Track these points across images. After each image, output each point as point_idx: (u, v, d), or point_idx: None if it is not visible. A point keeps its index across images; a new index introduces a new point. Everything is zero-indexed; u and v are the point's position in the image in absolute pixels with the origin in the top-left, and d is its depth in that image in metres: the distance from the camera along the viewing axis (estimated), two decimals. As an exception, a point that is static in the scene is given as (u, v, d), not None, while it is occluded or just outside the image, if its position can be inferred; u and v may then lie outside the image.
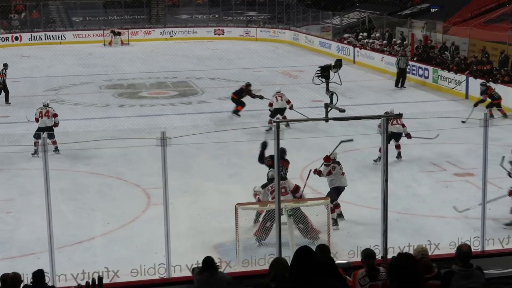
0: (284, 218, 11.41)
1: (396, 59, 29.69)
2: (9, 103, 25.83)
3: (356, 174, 16.83)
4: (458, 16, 37.31)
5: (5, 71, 26.26)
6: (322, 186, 14.27)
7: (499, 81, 24.72)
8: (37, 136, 18.66)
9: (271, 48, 43.85)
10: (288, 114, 21.27)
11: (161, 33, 48.78)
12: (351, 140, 13.70)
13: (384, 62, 33.37)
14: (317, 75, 9.74)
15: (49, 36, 46.90)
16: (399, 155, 17.84)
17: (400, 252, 9.45)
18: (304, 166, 16.26)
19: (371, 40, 37.07)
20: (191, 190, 15.69)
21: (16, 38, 45.91)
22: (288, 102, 21.69)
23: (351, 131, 19.15)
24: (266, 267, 6.82)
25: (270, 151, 13.61)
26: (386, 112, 18.06)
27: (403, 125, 17.74)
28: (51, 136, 18.49)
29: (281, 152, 13.54)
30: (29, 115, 20.19)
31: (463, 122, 19.79)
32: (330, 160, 13.74)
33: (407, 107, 22.92)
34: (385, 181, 9.15)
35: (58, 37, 46.96)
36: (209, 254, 9.68)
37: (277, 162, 9.07)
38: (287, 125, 20.80)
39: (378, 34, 38.00)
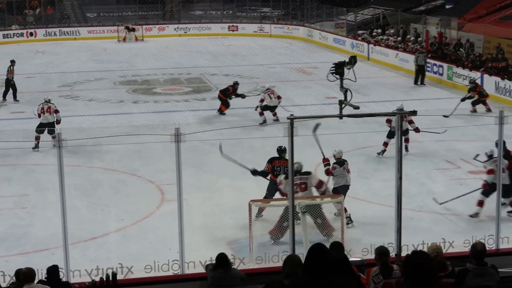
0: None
1: (415, 56, 29.59)
2: (18, 101, 25.58)
3: (370, 171, 16.82)
4: (473, 13, 37.11)
5: (13, 68, 25.97)
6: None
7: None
8: (39, 131, 18.83)
9: (285, 44, 43.80)
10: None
11: (175, 29, 48.80)
12: (319, 124, 13.39)
13: (399, 59, 33.25)
14: (331, 71, 9.70)
15: (64, 32, 47.03)
16: (406, 148, 17.79)
17: (414, 250, 9.44)
18: (318, 163, 16.21)
19: (385, 37, 36.94)
20: (205, 187, 15.72)
21: (31, 34, 46.04)
22: (279, 97, 21.97)
23: (365, 128, 19.16)
24: (280, 264, 6.83)
25: (273, 153, 13.69)
26: (398, 109, 18.14)
27: (410, 122, 17.68)
28: (52, 131, 18.65)
29: (281, 151, 13.56)
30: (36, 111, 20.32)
31: (445, 116, 19.97)
32: (328, 161, 13.69)
33: (421, 104, 22.84)
34: (399, 178, 9.13)
35: (73, 33, 47.08)
36: (222, 250, 9.70)
37: (290, 160, 9.05)
38: (277, 120, 21.38)
39: (392, 31, 37.88)
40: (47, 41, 44.73)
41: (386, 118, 17.96)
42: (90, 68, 33.90)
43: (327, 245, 7.74)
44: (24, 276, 7.91)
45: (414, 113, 9.78)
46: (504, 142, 14.04)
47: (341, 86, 9.51)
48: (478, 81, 26.28)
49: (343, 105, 9.41)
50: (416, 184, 15.58)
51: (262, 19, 50.73)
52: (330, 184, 13.47)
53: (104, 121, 21.94)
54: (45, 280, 8.72)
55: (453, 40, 32.43)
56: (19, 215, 14.26)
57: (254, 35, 48.07)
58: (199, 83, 30.12)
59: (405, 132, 17.63)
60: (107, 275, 9.24)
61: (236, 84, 23.35)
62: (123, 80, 31.04)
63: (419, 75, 29.01)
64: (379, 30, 38.83)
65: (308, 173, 12.94)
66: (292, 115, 8.87)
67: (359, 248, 11.42)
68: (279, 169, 13.47)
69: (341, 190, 13.34)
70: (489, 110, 22.73)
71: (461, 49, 30.38)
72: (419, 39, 33.94)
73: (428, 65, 29.83)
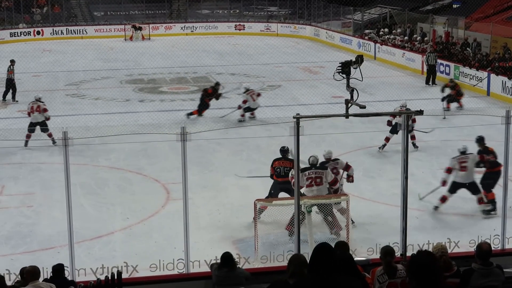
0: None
1: (425, 56, 29.51)
2: (17, 101, 25.21)
3: (375, 171, 16.80)
4: (481, 12, 37.02)
5: (13, 67, 25.64)
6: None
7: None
8: (30, 130, 18.85)
9: (292, 43, 43.78)
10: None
11: (182, 28, 48.85)
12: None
13: (405, 58, 33.20)
14: (338, 71, 9.68)
15: (71, 30, 47.13)
16: (414, 145, 17.96)
17: (420, 249, 9.42)
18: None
19: (392, 36, 36.88)
20: (210, 186, 15.71)
21: (38, 33, 46.15)
22: (259, 95, 22.31)
23: (371, 127, 19.13)
24: (285, 263, 6.81)
25: (279, 153, 13.68)
26: (402, 106, 18.23)
27: (413, 121, 17.71)
28: (45, 130, 18.74)
29: (284, 151, 13.54)
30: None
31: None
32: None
33: (428, 103, 22.77)
34: (405, 178, 9.12)
35: (80, 32, 47.18)
36: (227, 249, 9.71)
37: (296, 159, 9.05)
38: (253, 118, 21.85)
39: (399, 30, 37.81)
40: (54, 39, 44.77)
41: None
42: (96, 67, 33.97)
43: (332, 245, 7.76)
44: (28, 274, 7.92)
45: (420, 112, 9.76)
46: (483, 138, 14.33)
47: (348, 86, 9.48)
48: (485, 81, 26.28)
49: (350, 105, 9.39)
50: (422, 183, 15.53)
51: (269, 18, 50.75)
52: (343, 181, 13.51)
53: (110, 120, 21.96)
54: (50, 278, 8.72)
55: (460, 39, 32.35)
56: (25, 213, 14.28)
57: (261, 34, 48.08)
58: (205, 82, 30.06)
59: (410, 130, 17.67)
60: (112, 274, 9.24)
61: (217, 84, 23.22)
62: (130, 79, 31.07)
63: (431, 75, 28.91)
64: (386, 30, 38.77)
65: (325, 167, 12.89)
66: (298, 114, 8.86)
67: (364, 247, 11.41)
68: (279, 170, 13.44)
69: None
70: (461, 107, 23.14)
71: (468, 48, 30.30)
72: (426, 38, 33.86)
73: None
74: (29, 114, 19.32)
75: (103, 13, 51.10)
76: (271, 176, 13.61)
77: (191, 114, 22.38)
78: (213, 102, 22.67)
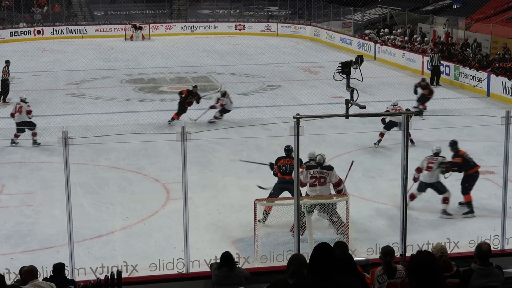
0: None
1: (429, 56, 29.49)
2: (7, 103, 24.60)
3: (375, 171, 16.80)
4: (481, 13, 37.03)
5: (8, 68, 25.40)
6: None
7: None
8: (19, 130, 18.82)
9: (292, 43, 43.78)
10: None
11: (182, 28, 48.86)
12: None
13: (405, 59, 33.21)
14: (338, 71, 9.69)
15: (71, 30, 47.14)
16: (411, 142, 17.88)
17: (419, 250, 9.42)
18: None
19: (392, 37, 36.89)
20: (210, 185, 15.71)
21: (38, 32, 46.16)
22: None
23: (371, 127, 19.14)
24: (285, 263, 6.82)
25: (279, 153, 13.68)
26: (393, 105, 18.35)
27: None
28: (31, 129, 18.76)
29: (289, 150, 13.56)
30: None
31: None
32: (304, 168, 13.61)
33: (428, 104, 22.75)
34: (405, 178, 9.13)
35: (80, 31, 47.20)
36: (227, 249, 9.71)
37: (296, 158, 9.05)
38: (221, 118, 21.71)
39: (399, 31, 37.82)
40: (54, 39, 44.78)
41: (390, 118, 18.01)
42: (97, 67, 33.97)
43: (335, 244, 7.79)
44: (27, 274, 7.91)
45: (420, 113, 9.82)
46: (456, 142, 14.37)
47: (348, 86, 9.48)
48: (485, 82, 26.28)
49: (350, 105, 9.40)
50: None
51: (269, 18, 50.76)
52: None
53: (110, 120, 21.96)
54: (50, 277, 8.72)
55: (460, 40, 32.36)
56: (25, 212, 14.28)
57: (261, 34, 48.09)
58: (205, 82, 30.11)
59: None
60: (112, 273, 9.24)
61: (194, 87, 22.95)
62: (130, 78, 31.07)
63: (435, 76, 28.86)
64: (386, 30, 38.79)
65: (330, 168, 12.89)
66: (298, 114, 8.87)
67: (363, 247, 11.41)
68: (285, 168, 13.46)
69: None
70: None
71: (468, 49, 30.31)
72: (426, 39, 33.86)
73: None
74: (12, 115, 19.29)
75: (103, 13, 51.12)
76: (275, 174, 13.62)
77: (172, 120, 22.18)
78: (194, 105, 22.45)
